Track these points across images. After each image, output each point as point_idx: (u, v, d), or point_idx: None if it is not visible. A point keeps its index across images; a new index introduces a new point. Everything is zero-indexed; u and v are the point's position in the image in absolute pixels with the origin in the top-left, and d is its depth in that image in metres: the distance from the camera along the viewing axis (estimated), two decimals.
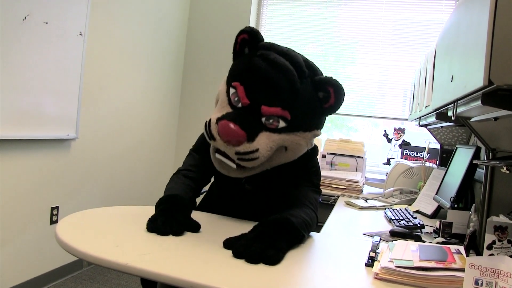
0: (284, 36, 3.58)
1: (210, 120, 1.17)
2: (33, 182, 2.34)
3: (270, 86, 1.13)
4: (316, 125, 1.25)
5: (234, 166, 1.18)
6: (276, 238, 1.02)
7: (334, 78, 1.19)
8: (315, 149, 1.41)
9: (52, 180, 2.47)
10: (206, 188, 1.53)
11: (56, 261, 2.55)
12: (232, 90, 1.19)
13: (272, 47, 1.21)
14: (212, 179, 1.48)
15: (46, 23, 2.22)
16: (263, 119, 1.15)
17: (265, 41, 1.26)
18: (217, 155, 1.20)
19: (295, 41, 3.53)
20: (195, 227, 1.15)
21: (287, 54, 1.19)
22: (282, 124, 1.16)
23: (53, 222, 2.49)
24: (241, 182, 1.36)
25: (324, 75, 1.24)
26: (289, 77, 1.14)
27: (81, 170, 2.69)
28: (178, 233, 1.10)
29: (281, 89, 1.13)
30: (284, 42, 3.54)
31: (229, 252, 1.00)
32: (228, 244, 1.03)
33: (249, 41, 1.24)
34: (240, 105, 1.17)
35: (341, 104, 1.20)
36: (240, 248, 0.99)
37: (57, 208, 2.52)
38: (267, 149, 1.16)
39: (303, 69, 1.17)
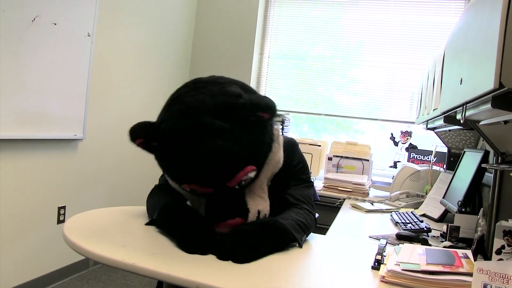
0: (290, 37, 3.57)
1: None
2: (40, 182, 2.36)
3: (215, 172, 1.02)
4: (270, 135, 1.15)
5: None
6: (256, 238, 1.02)
7: (240, 102, 1.03)
8: (293, 145, 1.32)
9: (59, 180, 2.48)
10: None
11: (62, 261, 2.57)
12: (188, 189, 1.09)
13: (176, 131, 1.07)
14: None
15: (55, 24, 2.24)
16: (237, 187, 1.08)
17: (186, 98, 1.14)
18: None
19: (301, 43, 3.53)
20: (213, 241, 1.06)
21: (198, 126, 1.02)
22: (253, 173, 1.08)
23: (60, 221, 2.50)
24: None
25: (259, 93, 1.13)
26: (221, 160, 1.01)
27: (88, 170, 2.70)
28: (208, 249, 1.02)
29: (222, 169, 1.02)
30: (290, 43, 3.59)
31: None
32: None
33: (147, 141, 1.11)
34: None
35: (275, 107, 1.06)
36: (214, 244, 1.00)
37: (64, 207, 2.53)
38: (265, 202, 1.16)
39: (222, 127, 1.01)
